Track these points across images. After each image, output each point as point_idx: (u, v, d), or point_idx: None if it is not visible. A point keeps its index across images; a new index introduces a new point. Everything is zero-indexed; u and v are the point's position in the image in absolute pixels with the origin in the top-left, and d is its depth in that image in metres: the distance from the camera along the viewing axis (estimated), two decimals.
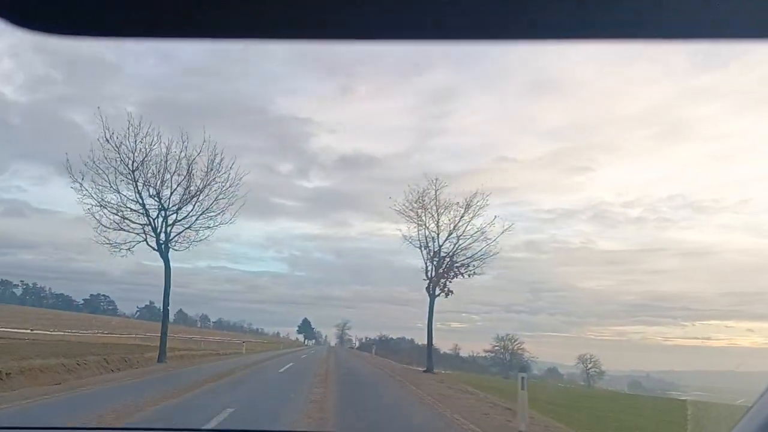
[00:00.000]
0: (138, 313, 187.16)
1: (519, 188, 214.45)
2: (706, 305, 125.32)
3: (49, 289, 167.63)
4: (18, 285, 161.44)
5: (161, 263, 27.62)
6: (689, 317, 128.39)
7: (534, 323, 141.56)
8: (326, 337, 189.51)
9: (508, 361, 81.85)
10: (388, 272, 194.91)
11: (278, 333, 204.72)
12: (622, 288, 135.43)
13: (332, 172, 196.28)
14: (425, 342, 36.34)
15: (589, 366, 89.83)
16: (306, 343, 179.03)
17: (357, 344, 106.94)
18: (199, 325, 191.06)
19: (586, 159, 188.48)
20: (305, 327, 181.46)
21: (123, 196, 24.74)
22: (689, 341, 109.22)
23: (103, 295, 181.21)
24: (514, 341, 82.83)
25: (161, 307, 32.43)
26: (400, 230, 33.72)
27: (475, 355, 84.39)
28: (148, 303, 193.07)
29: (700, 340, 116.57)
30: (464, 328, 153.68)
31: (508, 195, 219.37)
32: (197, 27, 0.70)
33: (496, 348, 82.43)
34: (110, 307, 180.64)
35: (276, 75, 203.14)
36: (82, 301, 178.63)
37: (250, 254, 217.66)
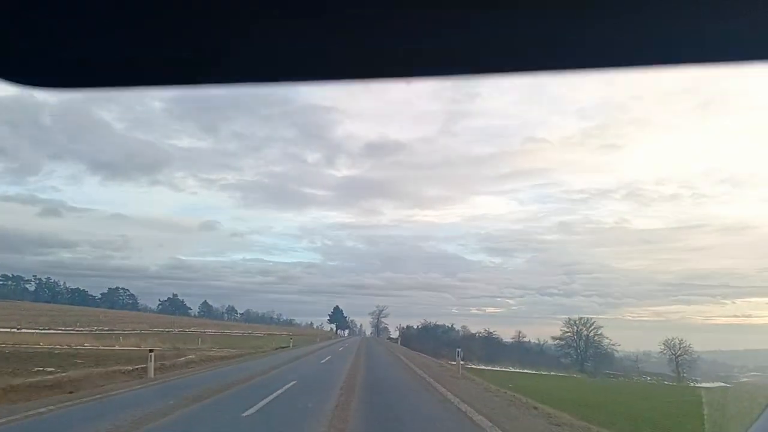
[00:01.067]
0: (160, 306, 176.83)
1: (549, 169, 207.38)
2: (746, 282, 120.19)
3: (64, 283, 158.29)
4: (31, 280, 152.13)
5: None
6: (729, 295, 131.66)
7: (569, 306, 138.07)
8: (361, 326, 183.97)
9: (582, 350, 66.48)
10: (420, 259, 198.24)
11: (311, 323, 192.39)
12: (659, 267, 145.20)
13: (359, 160, 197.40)
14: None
15: (678, 353, 73.47)
16: (338, 333, 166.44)
17: (398, 334, 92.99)
18: (225, 318, 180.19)
19: (617, 136, 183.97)
20: (337, 316, 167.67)
21: None
22: (730, 319, 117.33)
23: (123, 289, 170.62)
24: (590, 326, 67.20)
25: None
26: None
27: (542, 343, 69.28)
28: (170, 296, 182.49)
29: (741, 317, 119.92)
30: (500, 313, 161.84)
31: (539, 176, 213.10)
32: (206, 74, 0.72)
33: (567, 335, 67.17)
34: (130, 301, 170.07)
35: None
36: (100, 296, 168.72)
37: (283, 245, 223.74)
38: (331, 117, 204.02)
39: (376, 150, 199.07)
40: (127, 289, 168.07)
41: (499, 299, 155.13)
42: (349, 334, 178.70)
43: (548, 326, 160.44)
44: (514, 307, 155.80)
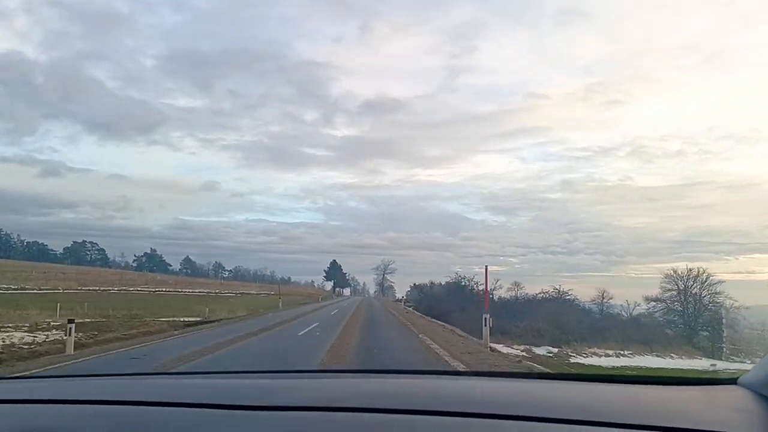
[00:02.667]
0: (136, 262, 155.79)
1: (552, 127, 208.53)
2: (749, 238, 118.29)
3: (18, 236, 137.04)
4: None
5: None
6: (732, 251, 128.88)
7: (572, 264, 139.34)
8: (364, 284, 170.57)
9: (691, 314, 43.95)
10: (422, 219, 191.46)
11: (312, 282, 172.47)
12: (663, 224, 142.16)
13: (357, 118, 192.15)
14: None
15: None
16: (336, 292, 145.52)
17: (406, 296, 70.58)
18: (212, 276, 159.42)
19: (621, 93, 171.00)
20: (335, 272, 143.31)
21: None
22: (733, 275, 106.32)
23: (90, 243, 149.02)
24: (704, 279, 44.45)
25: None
26: None
27: (631, 306, 46.31)
28: (148, 251, 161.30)
29: (744, 273, 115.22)
30: (503, 272, 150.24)
31: (541, 134, 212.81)
32: None
33: (670, 293, 44.63)
34: (99, 257, 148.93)
35: (291, 18, 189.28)
36: (62, 251, 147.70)
37: (285, 206, 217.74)
38: (326, 74, 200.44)
39: (374, 108, 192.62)
40: (96, 243, 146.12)
41: (501, 258, 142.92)
42: (351, 293, 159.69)
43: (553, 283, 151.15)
44: (516, 266, 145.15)
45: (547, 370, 11.44)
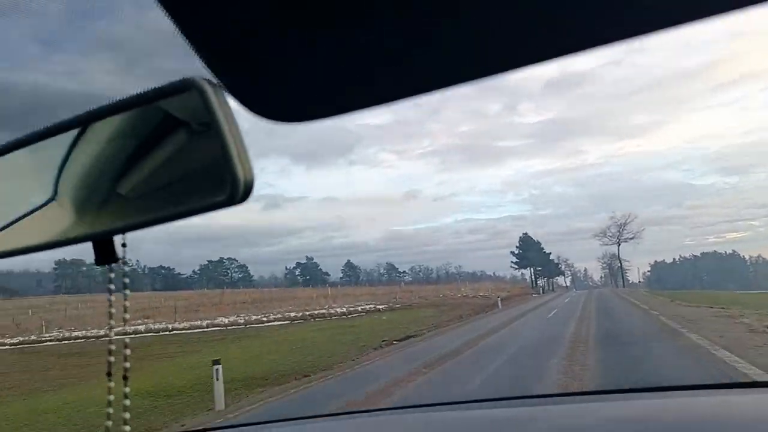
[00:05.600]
0: (288, 276, 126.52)
1: None
2: None
3: (139, 263, 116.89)
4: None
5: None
6: None
7: None
8: (585, 271, 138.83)
9: None
10: (637, 193, 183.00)
11: (521, 275, 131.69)
12: None
13: (542, 101, 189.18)
14: None
15: None
16: (544, 287, 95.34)
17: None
18: (387, 280, 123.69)
19: None
20: (529, 252, 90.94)
21: None
22: None
23: (228, 260, 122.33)
24: None
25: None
26: None
27: None
28: (304, 260, 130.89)
29: None
30: (744, 238, 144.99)
31: (764, 77, 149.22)
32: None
33: None
34: (240, 275, 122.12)
35: None
36: (191, 274, 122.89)
37: (490, 202, 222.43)
38: None
39: (558, 87, 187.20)
40: (235, 260, 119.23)
41: (739, 222, 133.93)
42: (570, 285, 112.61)
43: None
44: (760, 229, 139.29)
45: None
